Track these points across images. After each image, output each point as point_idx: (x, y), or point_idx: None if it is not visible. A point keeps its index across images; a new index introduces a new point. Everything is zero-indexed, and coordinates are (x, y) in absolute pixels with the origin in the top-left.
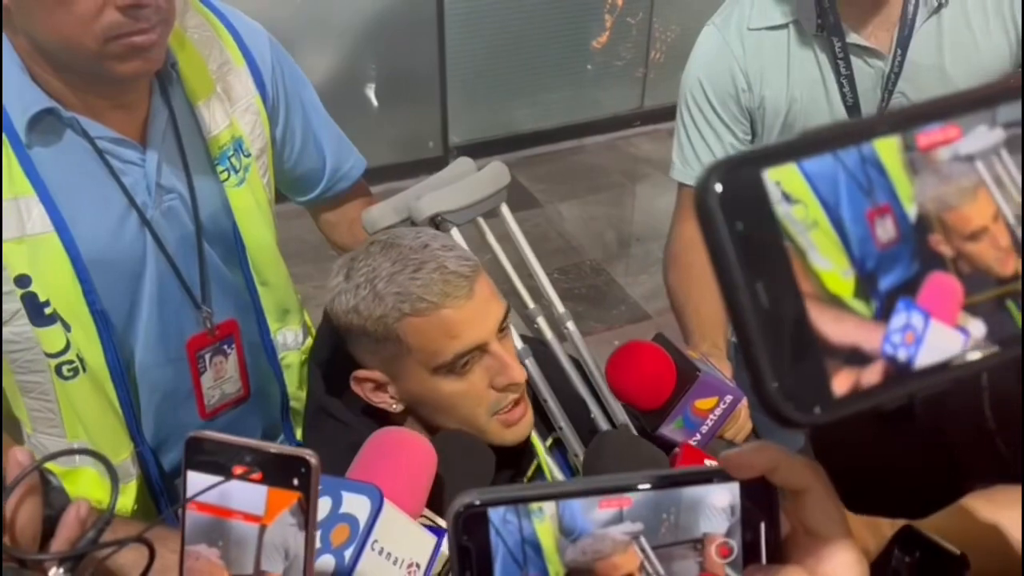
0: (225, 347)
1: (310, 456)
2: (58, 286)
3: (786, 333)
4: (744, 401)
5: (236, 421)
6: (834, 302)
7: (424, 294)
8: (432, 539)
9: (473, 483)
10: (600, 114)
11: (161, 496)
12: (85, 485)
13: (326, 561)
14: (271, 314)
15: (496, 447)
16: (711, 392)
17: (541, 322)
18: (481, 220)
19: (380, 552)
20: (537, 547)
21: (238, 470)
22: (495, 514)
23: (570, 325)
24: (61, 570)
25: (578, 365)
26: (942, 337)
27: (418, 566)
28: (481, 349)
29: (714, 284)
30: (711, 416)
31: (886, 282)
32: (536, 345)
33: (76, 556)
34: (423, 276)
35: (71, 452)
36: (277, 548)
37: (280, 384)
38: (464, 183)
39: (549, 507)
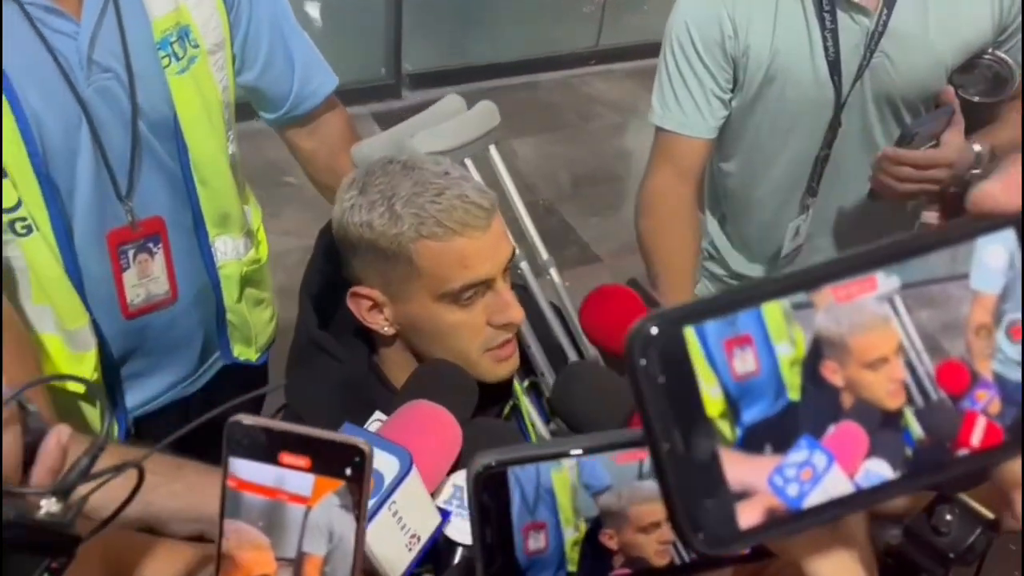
0: (150, 245)
1: (363, 445)
2: (6, 140)
3: (698, 473)
4: None
5: (165, 324)
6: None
7: (444, 219)
8: (438, 518)
9: (456, 415)
10: (556, 51)
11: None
12: (47, 350)
13: None
14: (210, 217)
15: (479, 383)
16: None
17: (524, 267)
18: (468, 160)
19: (395, 515)
20: (551, 493)
21: (285, 458)
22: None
23: (552, 272)
24: (53, 499)
25: (557, 312)
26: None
27: (418, 539)
28: (487, 284)
29: (684, 235)
30: None
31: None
32: (519, 291)
33: (69, 486)
34: (444, 201)
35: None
36: (321, 529)
37: (217, 293)
38: (457, 122)
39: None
